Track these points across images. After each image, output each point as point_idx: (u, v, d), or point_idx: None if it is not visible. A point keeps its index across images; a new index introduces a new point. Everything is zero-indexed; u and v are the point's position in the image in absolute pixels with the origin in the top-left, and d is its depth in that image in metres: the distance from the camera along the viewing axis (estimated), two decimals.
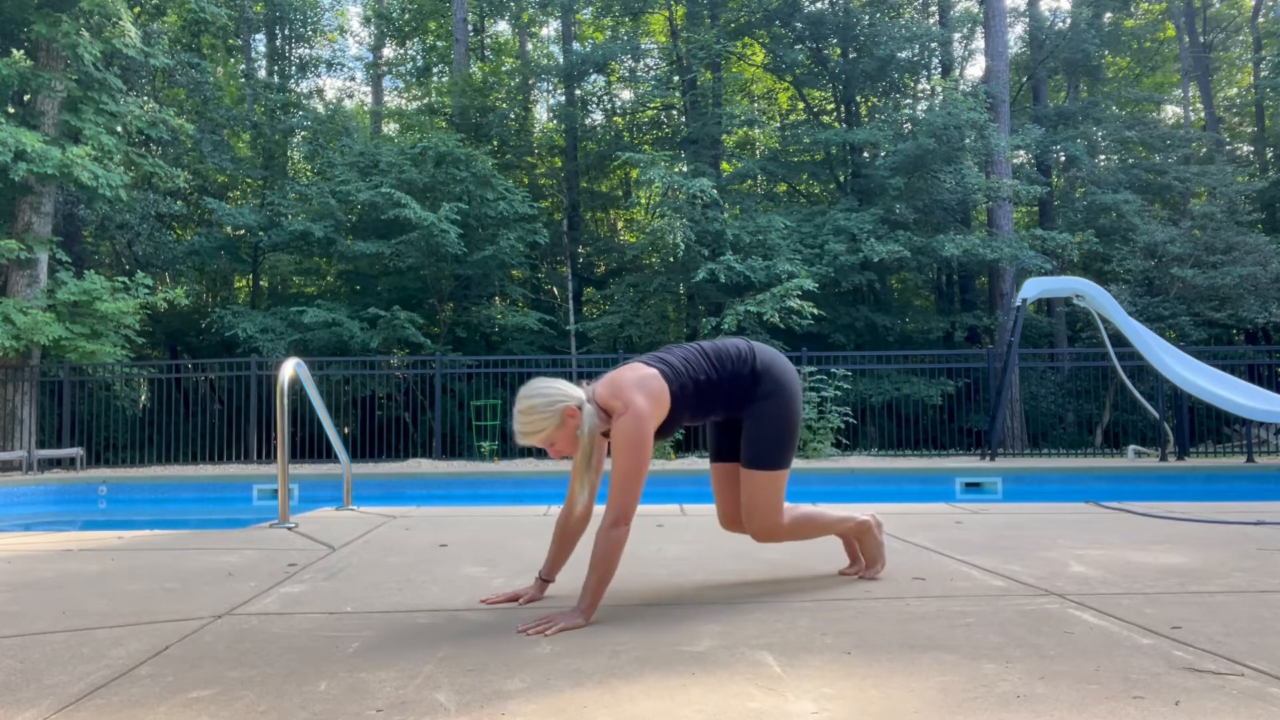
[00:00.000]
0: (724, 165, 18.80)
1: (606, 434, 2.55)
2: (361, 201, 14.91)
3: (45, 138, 11.37)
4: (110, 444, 13.60)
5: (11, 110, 12.69)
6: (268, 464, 11.57)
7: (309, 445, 12.91)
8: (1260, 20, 23.29)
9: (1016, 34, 21.72)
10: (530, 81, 21.49)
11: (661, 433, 2.55)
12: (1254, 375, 13.12)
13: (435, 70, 24.26)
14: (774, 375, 2.65)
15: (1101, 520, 4.52)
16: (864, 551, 2.97)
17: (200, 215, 18.63)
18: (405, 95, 26.26)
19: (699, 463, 10.39)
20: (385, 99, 26.38)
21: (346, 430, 15.16)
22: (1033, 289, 10.80)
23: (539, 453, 13.38)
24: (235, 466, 11.50)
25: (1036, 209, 20.69)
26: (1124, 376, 10.97)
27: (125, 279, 12.67)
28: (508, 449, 13.69)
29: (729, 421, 2.77)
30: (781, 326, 13.97)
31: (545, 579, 2.72)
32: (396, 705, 1.68)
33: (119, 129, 12.93)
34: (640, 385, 2.46)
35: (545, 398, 2.43)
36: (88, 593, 2.86)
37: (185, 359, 17.93)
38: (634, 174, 19.68)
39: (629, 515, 2.38)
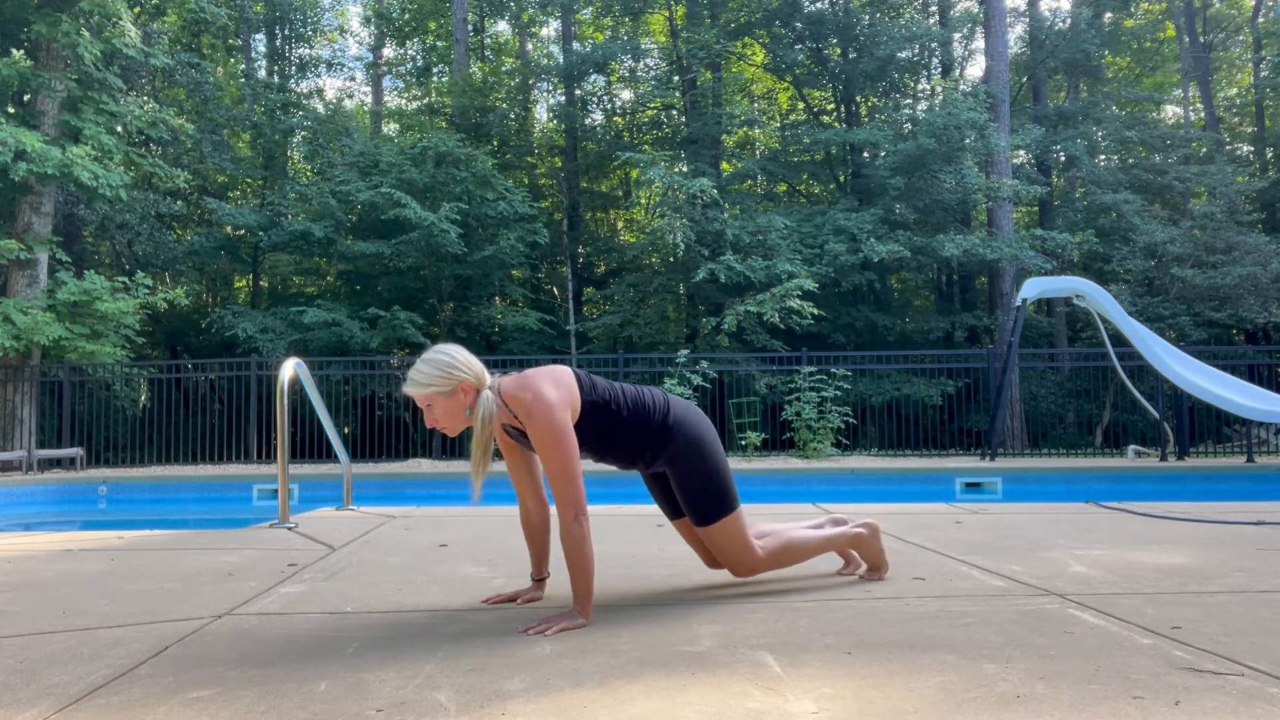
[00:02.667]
0: (724, 165, 18.80)
1: (511, 431, 2.53)
2: (361, 201, 14.91)
3: (45, 138, 11.37)
4: (110, 444, 13.60)
5: (11, 110, 12.69)
6: (268, 464, 11.57)
7: (309, 445, 12.91)
8: (1260, 20, 23.29)
9: (1016, 34, 21.73)
10: (530, 81, 21.49)
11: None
12: (1254, 375, 13.12)
13: (435, 70, 24.27)
14: (686, 431, 2.59)
15: (1101, 520, 4.52)
16: (866, 558, 2.97)
17: (200, 215, 18.63)
18: (405, 95, 26.27)
19: None
20: (385, 99, 26.38)
21: (346, 430, 15.16)
22: (1033, 289, 10.80)
23: None
24: (235, 466, 11.50)
25: (1036, 209, 20.69)
26: (1124, 376, 10.97)
27: (125, 279, 12.67)
28: None
29: (655, 478, 2.78)
30: (781, 326, 13.97)
31: (537, 579, 2.71)
32: (396, 705, 1.68)
33: (119, 129, 12.93)
34: (550, 376, 2.43)
35: (450, 360, 2.39)
36: (88, 593, 2.86)
37: (185, 359, 17.93)
38: (634, 174, 19.67)
39: (582, 505, 2.34)
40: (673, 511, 2.82)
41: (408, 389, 2.41)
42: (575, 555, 2.33)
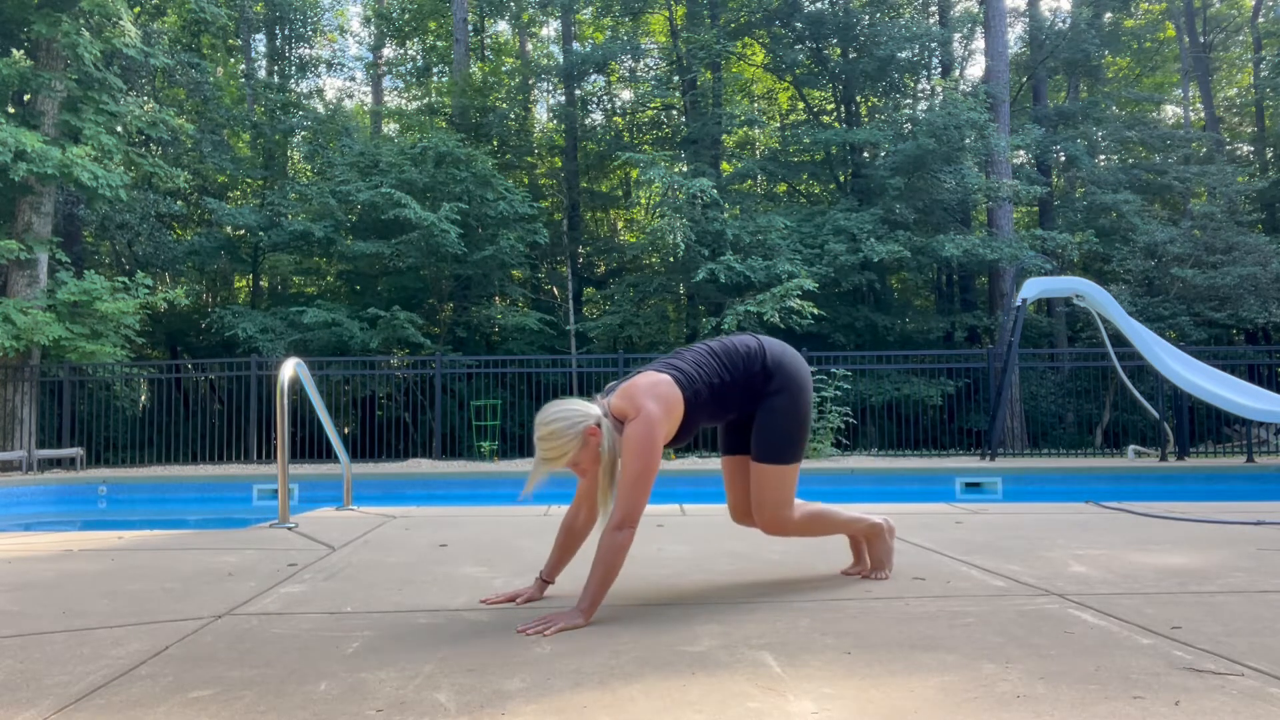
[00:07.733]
0: (724, 165, 18.79)
1: None
2: (361, 201, 14.91)
3: (45, 138, 11.36)
4: (110, 444, 13.60)
5: (11, 110, 12.69)
6: (268, 464, 11.56)
7: (309, 445, 12.91)
8: (1260, 20, 23.29)
9: (1016, 34, 21.73)
10: (530, 81, 21.49)
11: (678, 438, 2.57)
12: (1254, 375, 13.12)
13: (435, 70, 24.27)
14: (785, 371, 2.65)
15: (1101, 520, 4.52)
16: (871, 554, 2.97)
17: (200, 215, 18.63)
18: (405, 95, 26.27)
19: (700, 463, 10.39)
20: (385, 99, 26.38)
21: (346, 430, 15.16)
22: (1033, 289, 10.80)
23: None
24: (235, 466, 11.50)
25: (1036, 209, 20.69)
26: (1124, 376, 10.97)
27: (125, 279, 12.67)
28: (508, 449, 13.70)
29: (740, 417, 2.77)
30: (781, 326, 13.96)
31: (545, 579, 2.70)
32: (396, 705, 1.68)
33: (119, 129, 12.93)
34: (651, 390, 2.46)
35: (565, 420, 2.41)
36: (88, 593, 2.86)
37: (185, 359, 17.93)
38: (634, 174, 19.68)
39: (635, 518, 2.38)
40: (730, 446, 2.82)
41: (549, 467, 2.46)
42: (605, 557, 2.35)
